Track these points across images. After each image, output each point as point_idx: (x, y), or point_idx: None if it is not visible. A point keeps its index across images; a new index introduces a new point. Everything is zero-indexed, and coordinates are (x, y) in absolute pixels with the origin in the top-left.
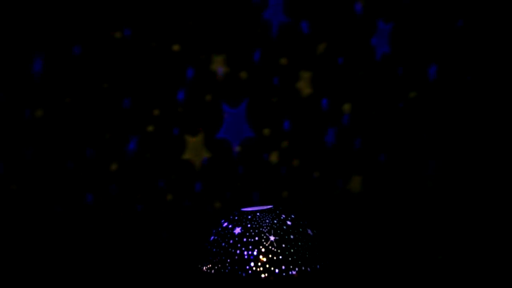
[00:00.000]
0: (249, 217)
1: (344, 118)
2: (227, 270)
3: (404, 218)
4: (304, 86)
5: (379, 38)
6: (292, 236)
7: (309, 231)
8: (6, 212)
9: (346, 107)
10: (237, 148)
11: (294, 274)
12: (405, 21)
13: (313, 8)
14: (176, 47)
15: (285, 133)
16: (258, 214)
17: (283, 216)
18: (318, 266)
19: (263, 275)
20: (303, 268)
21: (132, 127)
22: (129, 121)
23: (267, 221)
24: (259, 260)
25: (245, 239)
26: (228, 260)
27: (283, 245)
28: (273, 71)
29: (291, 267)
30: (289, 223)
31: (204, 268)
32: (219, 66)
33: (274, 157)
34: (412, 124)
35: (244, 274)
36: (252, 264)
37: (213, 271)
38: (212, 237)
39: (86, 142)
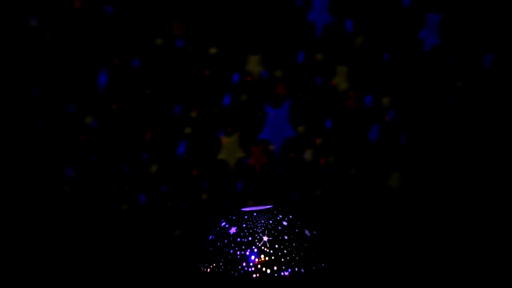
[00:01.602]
0: (246, 217)
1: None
2: (221, 270)
3: (425, 220)
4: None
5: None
6: (286, 237)
7: (307, 232)
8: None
9: (385, 100)
10: (271, 147)
11: (286, 275)
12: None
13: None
14: (213, 50)
15: (321, 130)
16: (255, 214)
17: (280, 216)
18: (313, 268)
19: (254, 275)
20: (296, 269)
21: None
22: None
23: (263, 221)
24: (259, 261)
25: (239, 239)
26: (222, 260)
27: (276, 246)
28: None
29: (283, 268)
30: (285, 223)
31: (202, 267)
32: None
33: (308, 155)
34: (459, 119)
35: (236, 274)
36: (244, 264)
37: (208, 270)
38: (211, 237)
39: (126, 144)
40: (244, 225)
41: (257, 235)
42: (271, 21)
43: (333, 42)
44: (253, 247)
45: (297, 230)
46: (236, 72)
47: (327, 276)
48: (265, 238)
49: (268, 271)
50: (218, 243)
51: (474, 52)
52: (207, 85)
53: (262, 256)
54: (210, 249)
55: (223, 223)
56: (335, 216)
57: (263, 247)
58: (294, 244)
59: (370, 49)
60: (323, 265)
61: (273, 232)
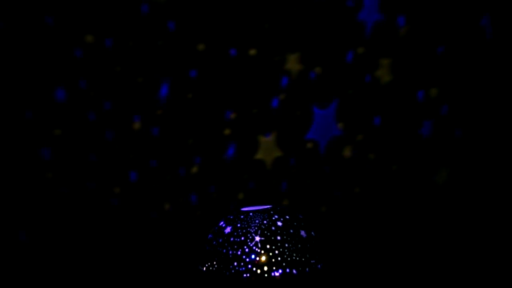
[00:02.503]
0: (242, 217)
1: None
2: (214, 269)
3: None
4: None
5: None
6: (279, 238)
7: (303, 233)
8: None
9: (433, 91)
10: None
11: (276, 276)
12: None
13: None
14: (253, 52)
15: (360, 127)
16: (250, 214)
17: (276, 216)
18: (307, 269)
19: (245, 275)
20: (287, 270)
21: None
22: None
23: (257, 221)
24: (259, 261)
25: (232, 239)
26: (216, 259)
27: (268, 246)
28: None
29: (274, 268)
30: (279, 224)
31: (200, 266)
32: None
33: (347, 152)
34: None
35: (227, 273)
36: (235, 263)
37: (204, 268)
38: (209, 236)
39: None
40: (238, 225)
41: (250, 235)
42: (313, 18)
43: (382, 35)
44: (245, 247)
45: (291, 231)
46: (277, 72)
47: (322, 278)
48: (257, 238)
49: (259, 271)
50: (214, 242)
51: None
52: (247, 86)
53: (262, 257)
54: (207, 248)
55: (221, 223)
56: (369, 215)
57: (254, 247)
58: (287, 245)
59: (425, 38)
60: (319, 266)
61: (266, 232)
